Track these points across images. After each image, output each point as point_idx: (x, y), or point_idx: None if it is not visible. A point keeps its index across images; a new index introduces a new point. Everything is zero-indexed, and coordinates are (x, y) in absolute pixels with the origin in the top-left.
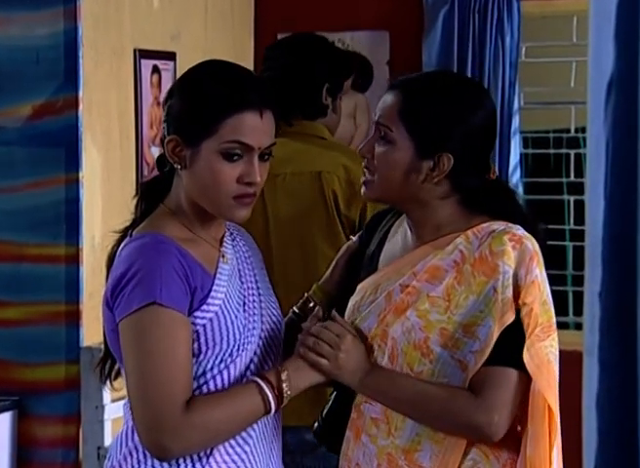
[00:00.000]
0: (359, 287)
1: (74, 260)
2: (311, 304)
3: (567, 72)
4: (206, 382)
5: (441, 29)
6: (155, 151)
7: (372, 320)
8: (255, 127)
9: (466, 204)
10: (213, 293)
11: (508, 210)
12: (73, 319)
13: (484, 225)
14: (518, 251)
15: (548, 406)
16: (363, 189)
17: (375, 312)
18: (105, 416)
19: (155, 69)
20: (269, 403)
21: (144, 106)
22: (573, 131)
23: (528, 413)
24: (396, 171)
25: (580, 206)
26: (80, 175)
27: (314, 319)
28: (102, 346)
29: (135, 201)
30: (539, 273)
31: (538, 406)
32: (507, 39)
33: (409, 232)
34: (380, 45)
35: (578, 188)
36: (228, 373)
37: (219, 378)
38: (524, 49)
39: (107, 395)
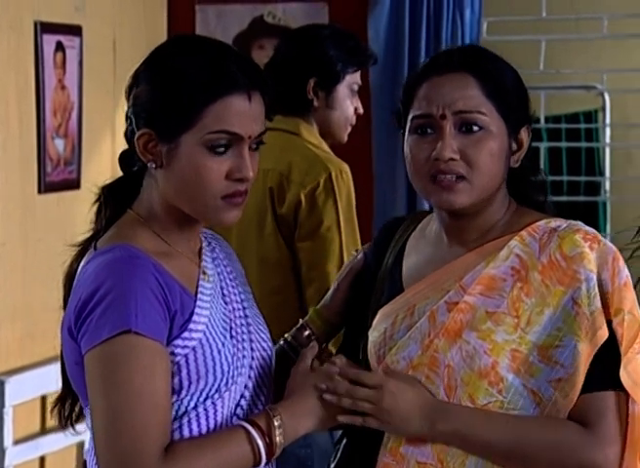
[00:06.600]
0: (383, 311)
1: None
2: (307, 332)
3: (535, 53)
4: (189, 422)
5: (389, 1)
6: (59, 143)
7: (413, 347)
8: (243, 112)
9: (510, 191)
10: (195, 317)
11: (540, 199)
12: None
13: (539, 223)
14: (597, 251)
15: None
16: (453, 197)
17: (416, 338)
18: (6, 462)
19: (59, 46)
20: (260, 454)
21: (47, 90)
22: (543, 121)
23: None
24: (499, 160)
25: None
26: None
27: (308, 353)
28: (60, 383)
29: (95, 207)
30: (628, 274)
31: (638, 432)
32: (467, 13)
33: (444, 240)
34: (317, 19)
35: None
36: (215, 412)
37: (203, 418)
38: (485, 25)
39: (9, 436)
